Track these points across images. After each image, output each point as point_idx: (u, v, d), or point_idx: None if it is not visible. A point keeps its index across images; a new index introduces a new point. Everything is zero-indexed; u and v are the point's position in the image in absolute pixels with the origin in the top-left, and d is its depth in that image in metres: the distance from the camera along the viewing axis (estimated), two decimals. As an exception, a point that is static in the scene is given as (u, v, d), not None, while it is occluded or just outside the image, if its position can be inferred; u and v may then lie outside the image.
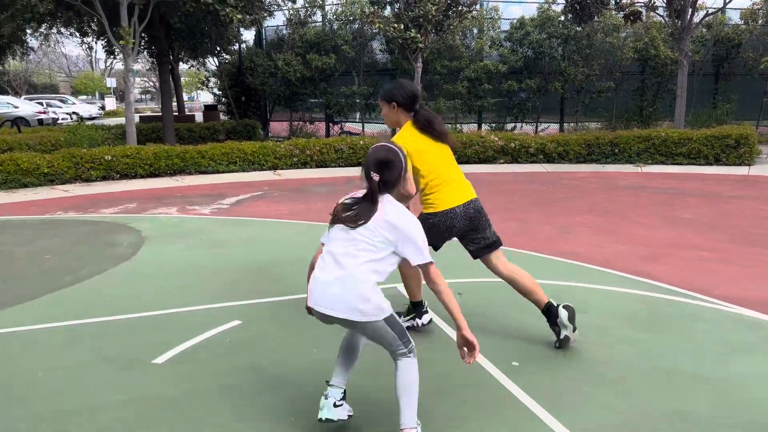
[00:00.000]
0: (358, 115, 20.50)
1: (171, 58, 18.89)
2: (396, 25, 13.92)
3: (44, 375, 3.31)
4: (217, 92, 24.40)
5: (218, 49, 20.68)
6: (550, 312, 3.51)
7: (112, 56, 23.80)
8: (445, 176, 3.44)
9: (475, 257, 3.62)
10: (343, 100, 19.21)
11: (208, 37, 18.83)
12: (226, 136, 19.34)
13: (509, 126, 18.35)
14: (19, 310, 4.37)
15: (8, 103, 27.72)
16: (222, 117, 23.75)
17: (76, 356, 3.55)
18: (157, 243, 6.37)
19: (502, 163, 12.71)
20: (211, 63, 23.41)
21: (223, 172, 12.03)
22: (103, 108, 43.95)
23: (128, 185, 10.59)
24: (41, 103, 30.89)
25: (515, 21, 18.33)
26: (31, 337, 3.88)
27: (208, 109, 23.74)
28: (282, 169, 12.35)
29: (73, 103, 37.08)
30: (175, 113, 20.25)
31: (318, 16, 20.49)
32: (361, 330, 2.47)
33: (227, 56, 21.97)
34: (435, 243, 3.44)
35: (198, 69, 24.90)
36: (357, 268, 2.35)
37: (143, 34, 15.64)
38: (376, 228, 2.40)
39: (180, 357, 3.52)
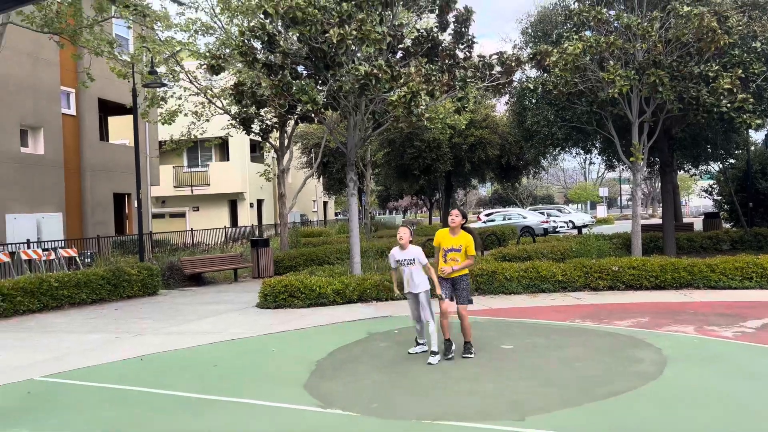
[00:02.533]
0: None
1: (673, 167, 18.76)
2: None
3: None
4: (717, 198, 22.81)
5: (723, 154, 19.51)
6: None
7: (609, 169, 25.30)
8: None
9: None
10: None
11: (712, 144, 18.03)
12: (731, 246, 17.71)
13: None
14: (564, 415, 4.86)
15: (519, 215, 32.35)
16: (724, 225, 21.95)
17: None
18: (682, 365, 6.18)
19: None
20: (713, 168, 22.20)
21: (736, 288, 10.97)
22: (595, 217, 46.40)
23: (635, 297, 10.74)
24: (543, 213, 34.89)
25: None
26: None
27: (708, 217, 22.33)
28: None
29: (569, 212, 40.51)
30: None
31: None
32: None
33: (732, 160, 20.48)
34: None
35: (699, 176, 23.91)
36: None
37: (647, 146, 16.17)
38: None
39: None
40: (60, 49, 18.81)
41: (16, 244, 16.53)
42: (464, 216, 6.87)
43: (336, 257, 17.43)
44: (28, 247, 16.38)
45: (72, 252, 17.12)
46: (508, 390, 5.54)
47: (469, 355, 6.74)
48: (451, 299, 6.77)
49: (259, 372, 6.69)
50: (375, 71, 9.91)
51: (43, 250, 16.55)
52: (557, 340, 7.60)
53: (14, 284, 11.64)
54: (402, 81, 10.14)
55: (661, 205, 17.21)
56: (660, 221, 19.59)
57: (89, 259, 17.32)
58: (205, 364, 7.10)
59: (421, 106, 9.94)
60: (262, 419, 5.07)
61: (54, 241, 17.93)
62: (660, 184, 18.15)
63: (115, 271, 13.38)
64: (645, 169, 25.98)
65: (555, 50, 12.52)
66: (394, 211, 66.85)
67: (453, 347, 6.81)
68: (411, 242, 7.04)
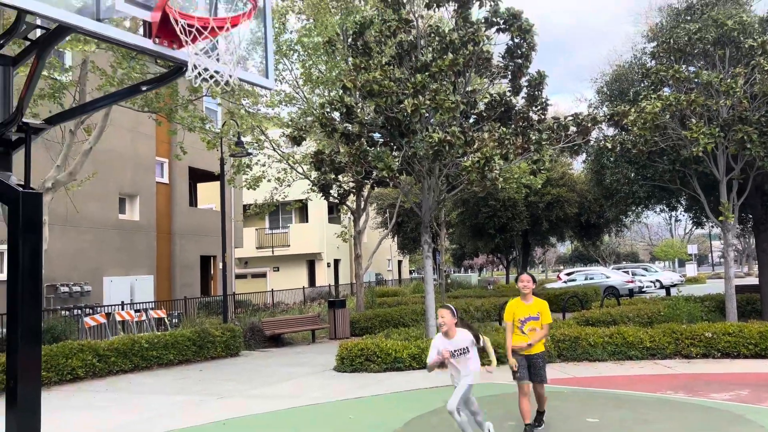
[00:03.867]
0: None
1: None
2: None
3: None
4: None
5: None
6: None
7: (697, 226, 24.11)
8: None
9: None
10: None
11: (812, 199, 16.88)
12: (842, 309, 16.21)
13: None
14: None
15: (602, 274, 31.15)
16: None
17: None
18: (788, 446, 5.69)
19: None
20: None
21: None
22: (684, 275, 43.99)
23: (732, 366, 10.02)
24: (627, 272, 33.41)
25: None
26: None
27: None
28: None
29: (656, 271, 38.58)
30: None
31: None
32: None
33: (837, 216, 19.02)
34: None
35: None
36: None
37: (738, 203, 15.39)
38: None
39: None
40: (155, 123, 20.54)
41: (111, 305, 17.59)
42: (534, 281, 6.46)
43: (411, 318, 17.37)
44: (123, 309, 17.38)
45: (161, 313, 18.00)
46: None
47: (540, 426, 6.37)
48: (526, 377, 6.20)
49: (336, 440, 6.71)
50: (449, 138, 10.13)
51: (135, 311, 17.52)
52: (645, 413, 7.18)
53: (109, 345, 12.33)
54: (475, 146, 10.29)
55: (757, 262, 16.16)
56: (756, 280, 18.34)
57: (176, 320, 18.14)
58: (284, 430, 7.19)
59: (495, 171, 10.01)
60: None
61: (145, 302, 18.95)
62: (755, 241, 17.09)
63: (200, 333, 13.92)
64: (738, 226, 24.60)
65: (633, 109, 12.35)
66: (469, 270, 66.02)
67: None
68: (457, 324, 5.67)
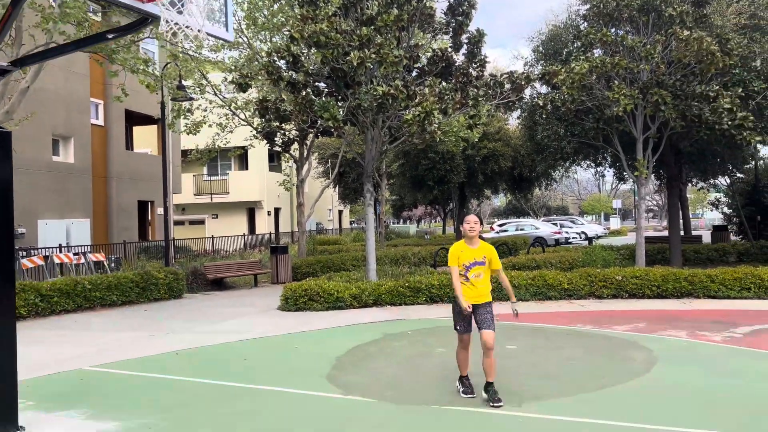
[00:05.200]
0: None
1: (680, 181, 19.27)
2: None
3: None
4: (727, 211, 23.23)
5: (730, 168, 19.99)
6: None
7: (620, 181, 25.80)
8: None
9: None
10: None
11: (719, 158, 18.53)
12: (737, 258, 18.16)
13: None
14: (556, 403, 5.50)
15: (532, 225, 32.87)
16: (732, 237, 22.33)
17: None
18: (670, 364, 6.78)
19: None
20: (722, 182, 22.64)
21: (734, 298, 11.49)
22: (608, 228, 46.70)
23: (637, 305, 11.31)
24: (556, 224, 35.36)
25: None
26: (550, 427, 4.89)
27: (717, 230, 22.75)
28: (810, 299, 10.94)
29: (582, 224, 40.90)
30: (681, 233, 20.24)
31: None
32: None
33: (741, 175, 20.92)
34: None
35: (707, 189, 24.34)
36: None
37: (653, 161, 16.74)
38: None
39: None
40: (89, 62, 19.85)
41: (48, 248, 17.42)
42: (481, 223, 5.94)
43: (352, 264, 18.13)
44: (61, 251, 17.26)
45: (100, 257, 17.98)
46: (509, 383, 6.17)
47: (498, 404, 5.37)
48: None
49: (285, 365, 7.39)
50: (392, 91, 10.64)
51: (74, 254, 17.43)
52: (557, 341, 8.21)
53: (51, 285, 12.46)
54: (417, 100, 10.85)
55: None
56: (669, 233, 20.05)
57: (115, 264, 18.18)
58: (235, 358, 7.81)
59: (435, 124, 10.64)
60: (291, 404, 5.76)
61: (82, 246, 18.82)
62: (667, 197, 18.65)
63: (143, 275, 14.17)
64: (656, 182, 26.43)
65: (563, 69, 13.17)
66: (408, 221, 67.46)
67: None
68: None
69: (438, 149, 25.89)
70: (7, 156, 4.89)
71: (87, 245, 19.20)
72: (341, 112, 11.45)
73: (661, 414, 5.13)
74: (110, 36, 4.82)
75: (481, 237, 5.83)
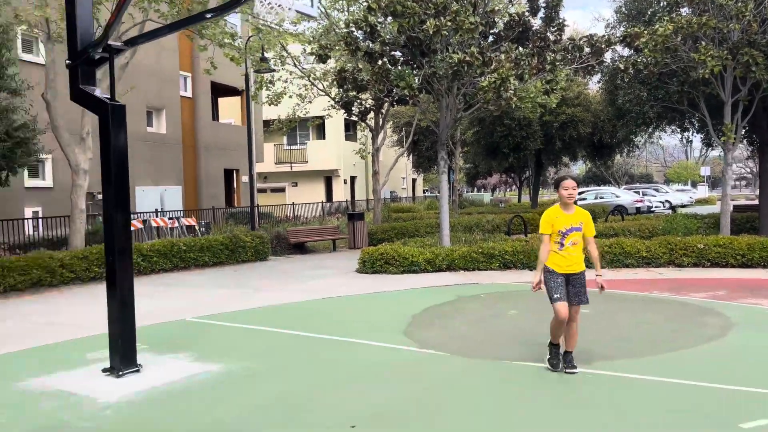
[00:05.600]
0: None
1: (773, 146, 18.19)
2: None
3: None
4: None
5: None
6: None
7: (709, 147, 24.57)
8: None
9: None
10: None
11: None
12: (836, 228, 17.06)
13: None
14: (625, 363, 5.68)
15: (612, 193, 31.95)
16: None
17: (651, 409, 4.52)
18: (746, 330, 6.75)
19: None
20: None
21: (827, 269, 11.00)
22: (693, 196, 44.59)
23: (719, 273, 11.05)
24: (638, 192, 34.16)
25: None
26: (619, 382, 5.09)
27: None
28: None
29: (666, 192, 39.25)
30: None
31: None
32: None
33: None
34: None
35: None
36: None
37: (744, 125, 15.92)
38: None
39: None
40: (178, 37, 20.91)
41: (145, 212, 18.84)
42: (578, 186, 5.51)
43: (426, 231, 18.49)
44: (157, 216, 18.63)
45: (192, 221, 19.25)
46: (579, 343, 6.37)
47: (573, 370, 5.35)
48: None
49: (365, 322, 7.91)
50: (467, 58, 10.75)
51: (169, 218, 18.77)
52: (631, 307, 8.28)
53: (151, 246, 13.60)
54: (493, 66, 10.91)
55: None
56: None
57: (205, 228, 19.41)
58: (318, 313, 8.41)
59: (510, 91, 10.69)
60: (370, 354, 6.25)
61: (175, 211, 20.19)
62: (759, 163, 17.70)
63: (232, 238, 15.14)
64: (748, 147, 24.95)
65: (645, 31, 12.74)
66: (482, 189, 66.90)
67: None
68: None
69: (514, 115, 25.53)
70: (123, 126, 5.53)
71: (179, 210, 20.57)
72: (417, 81, 11.68)
73: (733, 375, 5.21)
74: (209, 15, 5.31)
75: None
